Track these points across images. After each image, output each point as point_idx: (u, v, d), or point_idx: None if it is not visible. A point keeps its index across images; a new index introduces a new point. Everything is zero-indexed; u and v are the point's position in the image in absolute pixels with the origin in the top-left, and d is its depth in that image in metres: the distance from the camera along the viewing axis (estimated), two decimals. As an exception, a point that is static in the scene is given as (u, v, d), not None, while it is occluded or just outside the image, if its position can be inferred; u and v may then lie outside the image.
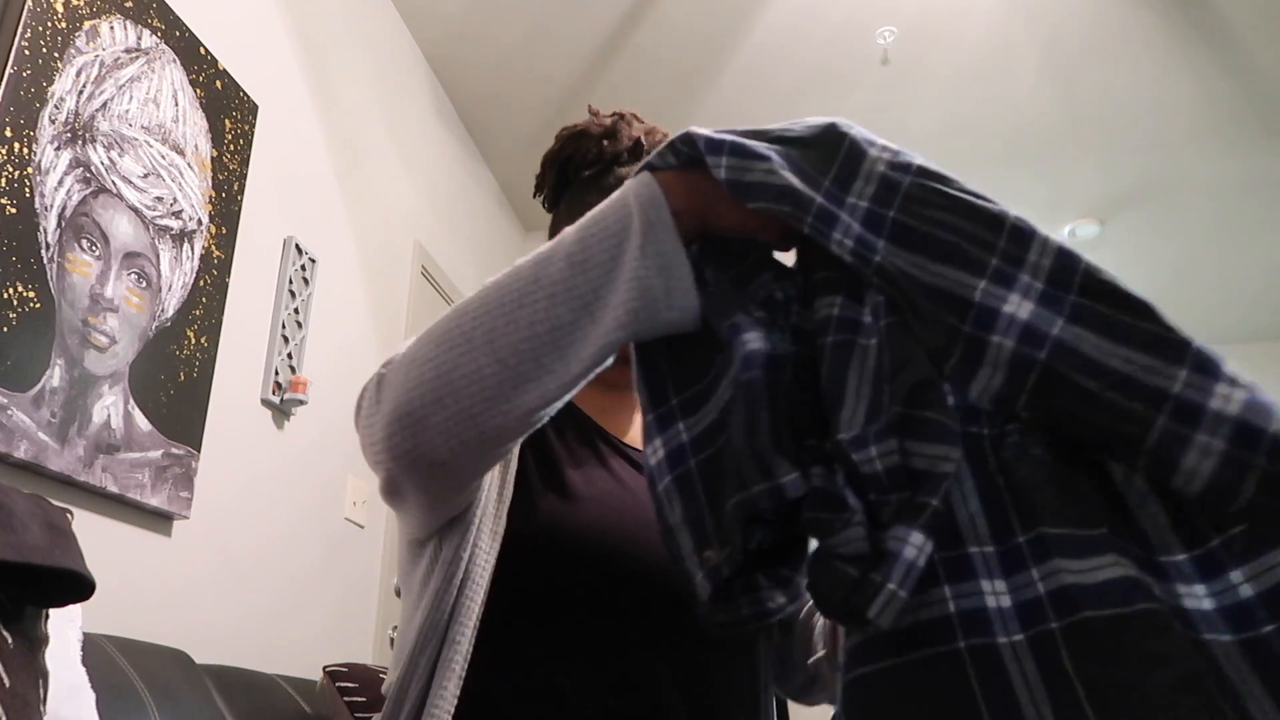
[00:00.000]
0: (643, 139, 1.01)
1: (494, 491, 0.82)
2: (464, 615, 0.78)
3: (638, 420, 1.00)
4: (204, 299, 1.88)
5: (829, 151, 0.59)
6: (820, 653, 0.86)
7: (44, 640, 1.00)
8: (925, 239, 0.55)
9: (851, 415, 0.52)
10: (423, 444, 0.65)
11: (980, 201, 0.56)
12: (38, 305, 1.45)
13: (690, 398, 0.60)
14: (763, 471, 0.52)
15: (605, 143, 1.01)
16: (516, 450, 0.87)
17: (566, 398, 0.64)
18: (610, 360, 0.63)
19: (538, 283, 0.62)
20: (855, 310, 0.56)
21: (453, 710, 0.75)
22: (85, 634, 1.24)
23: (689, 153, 0.61)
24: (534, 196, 1.08)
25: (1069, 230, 4.32)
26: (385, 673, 1.21)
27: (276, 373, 2.15)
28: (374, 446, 0.68)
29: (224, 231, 1.96)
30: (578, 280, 0.61)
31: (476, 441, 0.64)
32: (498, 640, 0.80)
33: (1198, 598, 0.48)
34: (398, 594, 0.93)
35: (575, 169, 1.01)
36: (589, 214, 0.64)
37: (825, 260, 0.58)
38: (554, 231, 1.03)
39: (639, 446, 0.95)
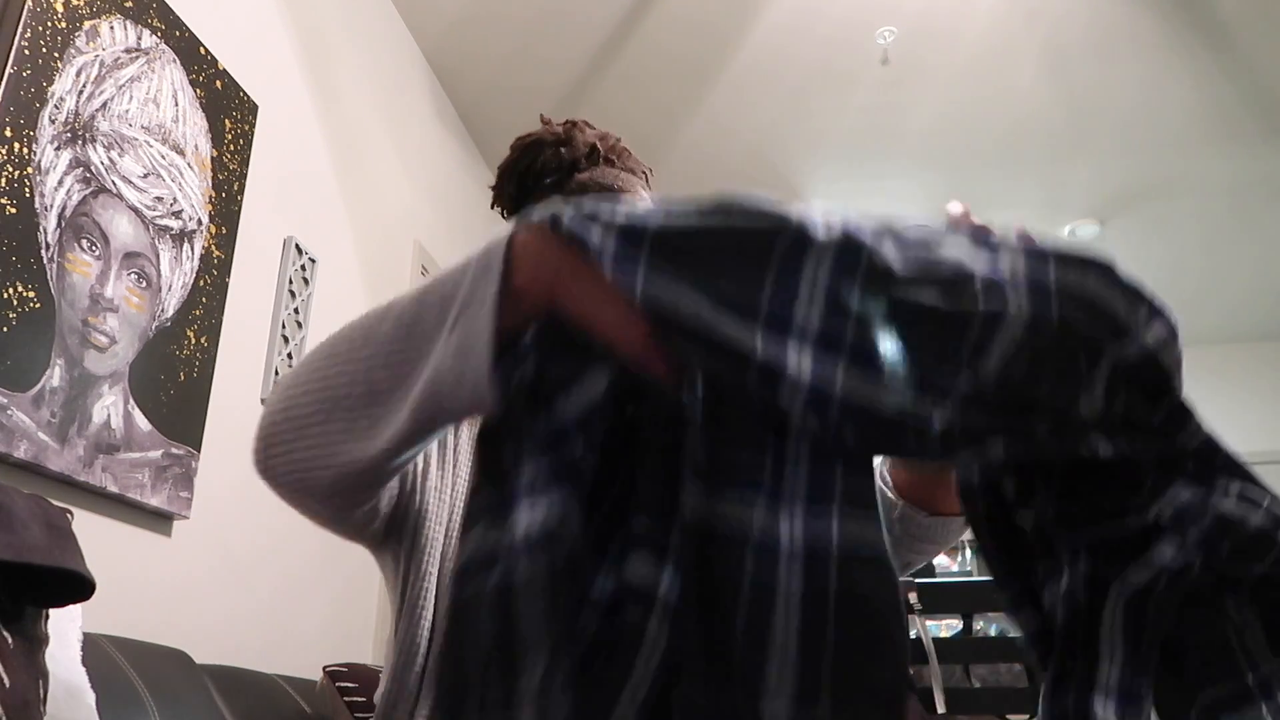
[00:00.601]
0: (598, 144, 1.04)
1: (446, 502, 0.82)
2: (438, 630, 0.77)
3: None
4: (204, 299, 1.88)
5: (763, 251, 0.53)
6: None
7: (44, 640, 1.00)
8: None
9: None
10: (270, 470, 0.64)
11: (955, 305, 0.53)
12: (38, 305, 1.45)
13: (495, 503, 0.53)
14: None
15: (562, 150, 1.03)
16: (463, 453, 0.86)
17: (389, 467, 0.60)
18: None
19: (368, 339, 0.60)
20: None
21: None
22: (85, 634, 1.24)
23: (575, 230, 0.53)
24: (491, 208, 1.08)
25: (1068, 230, 4.32)
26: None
27: (276, 373, 2.14)
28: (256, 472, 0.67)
29: (224, 231, 1.96)
30: (398, 347, 0.58)
31: (308, 485, 0.62)
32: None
33: None
34: None
35: (535, 178, 1.02)
36: (443, 268, 0.60)
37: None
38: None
39: None
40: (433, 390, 0.54)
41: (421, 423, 0.56)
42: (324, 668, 1.84)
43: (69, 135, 1.55)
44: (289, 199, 2.28)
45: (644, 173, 1.08)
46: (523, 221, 0.57)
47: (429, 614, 0.78)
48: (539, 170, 1.02)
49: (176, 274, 1.80)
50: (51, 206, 1.50)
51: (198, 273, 1.86)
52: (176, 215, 1.81)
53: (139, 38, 1.74)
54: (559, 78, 3.33)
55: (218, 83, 1.97)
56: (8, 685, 0.89)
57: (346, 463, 0.59)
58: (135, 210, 1.69)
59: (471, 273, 0.55)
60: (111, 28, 1.67)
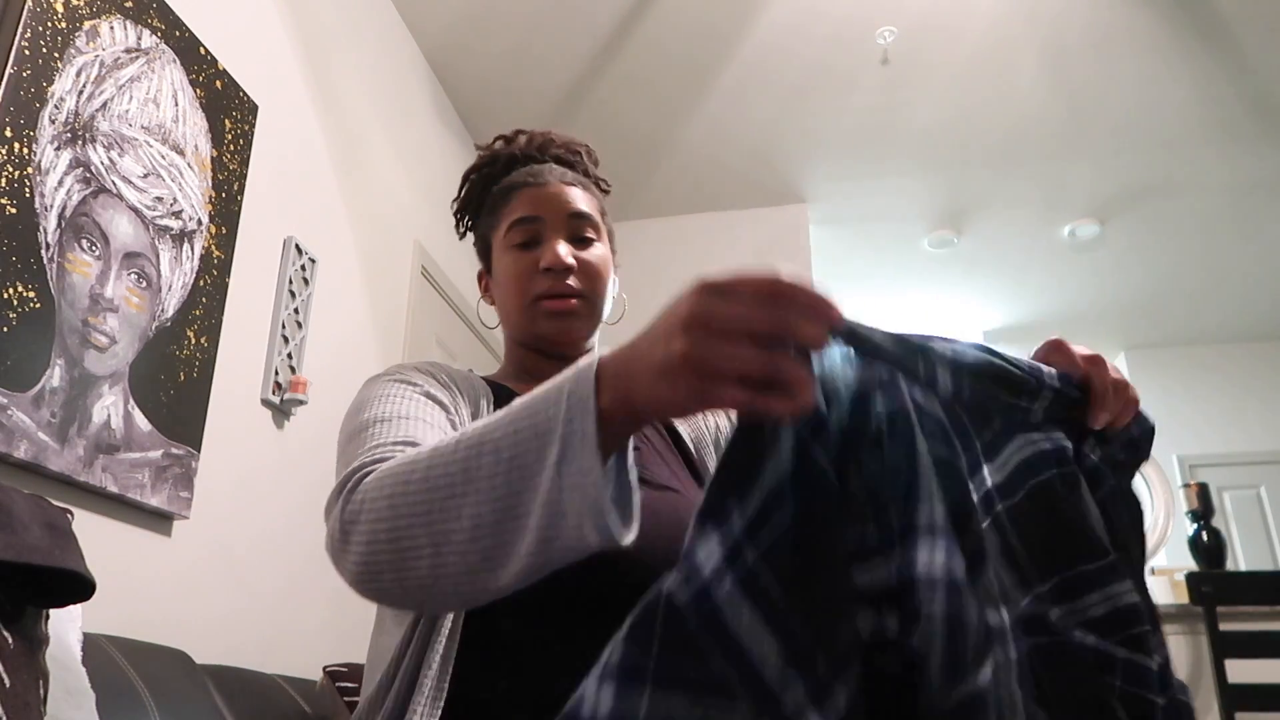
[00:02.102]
0: (518, 151, 1.07)
1: None
2: (445, 622, 0.78)
3: None
4: (204, 299, 1.88)
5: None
6: None
7: (44, 640, 1.00)
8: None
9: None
10: (384, 595, 0.67)
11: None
12: (38, 305, 1.45)
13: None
14: None
15: (499, 144, 1.08)
16: None
17: (506, 592, 0.60)
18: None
19: (468, 475, 0.59)
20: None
21: (437, 711, 0.75)
22: (85, 634, 1.24)
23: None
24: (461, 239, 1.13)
25: (1069, 230, 4.32)
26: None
27: (276, 373, 2.15)
28: (350, 585, 0.70)
29: (224, 231, 1.96)
30: (502, 481, 0.57)
31: (427, 602, 0.65)
32: (484, 645, 0.79)
33: None
34: None
35: (482, 183, 1.08)
36: (530, 395, 0.59)
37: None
38: (482, 244, 1.06)
39: None
40: (550, 531, 0.54)
41: (534, 565, 0.57)
42: (324, 668, 1.84)
43: (69, 135, 1.55)
44: (289, 199, 2.28)
45: (576, 153, 1.08)
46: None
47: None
48: (486, 171, 1.08)
49: (176, 274, 1.80)
50: (51, 206, 1.50)
51: (198, 273, 1.86)
52: (176, 215, 1.81)
53: (139, 38, 1.74)
54: (559, 78, 3.33)
55: (218, 83, 1.97)
56: (8, 685, 0.89)
57: (468, 593, 0.61)
58: (135, 210, 1.69)
59: (564, 404, 0.55)
60: (111, 28, 1.67)
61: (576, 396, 0.54)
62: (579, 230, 1.00)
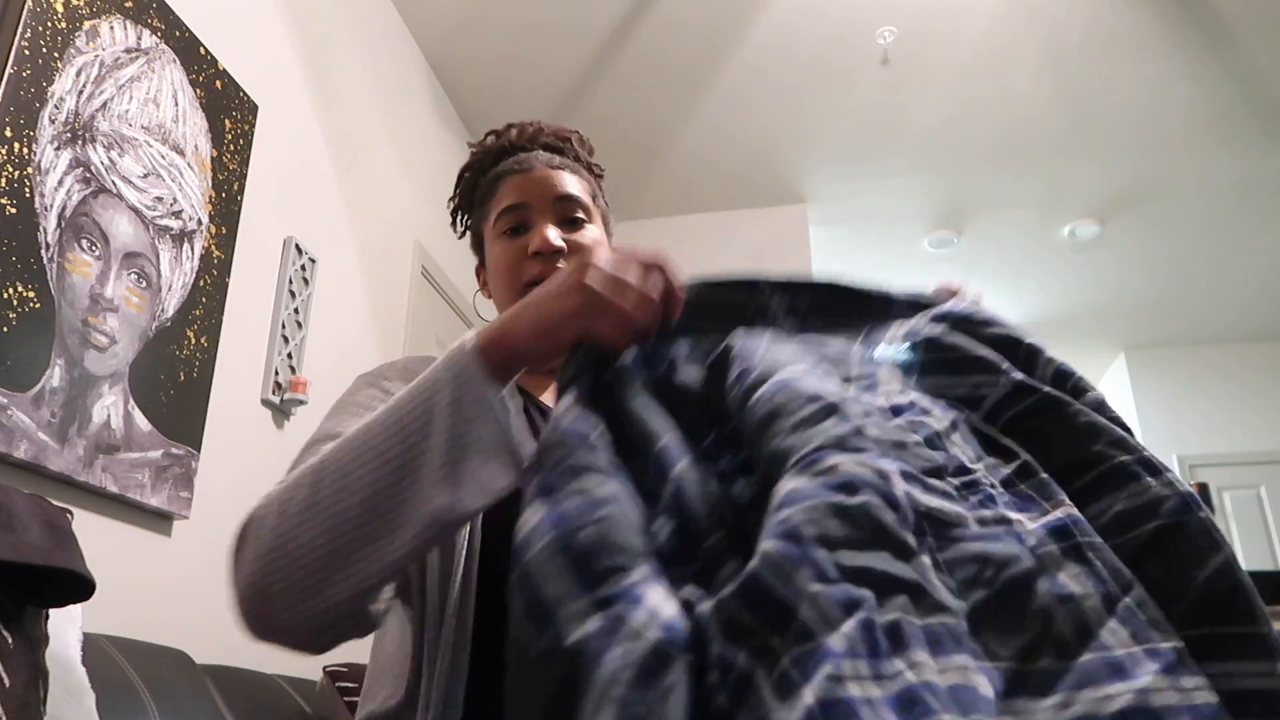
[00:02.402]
0: (542, 127, 1.06)
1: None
2: (461, 630, 0.76)
3: None
4: (204, 299, 1.88)
5: None
6: None
7: (44, 640, 1.00)
8: None
9: None
10: (267, 615, 0.62)
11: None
12: (38, 305, 1.45)
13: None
14: None
15: (490, 138, 1.07)
16: None
17: (401, 565, 0.61)
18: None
19: (360, 450, 0.61)
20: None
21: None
22: (85, 634, 1.24)
23: None
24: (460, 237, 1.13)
25: (1069, 230, 4.32)
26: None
27: (276, 373, 2.15)
28: (234, 607, 0.64)
29: (224, 231, 1.96)
30: (396, 440, 0.60)
31: (318, 613, 0.61)
32: (499, 646, 0.79)
33: None
34: None
35: (474, 178, 1.07)
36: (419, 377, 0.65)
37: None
38: (475, 238, 1.07)
39: None
40: (455, 470, 0.59)
41: (438, 510, 0.60)
42: (324, 668, 1.84)
43: (69, 135, 1.55)
44: (289, 199, 2.28)
45: (565, 139, 1.07)
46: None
47: (451, 615, 0.77)
48: (478, 166, 1.07)
49: (176, 274, 1.80)
50: (51, 206, 1.50)
51: (198, 273, 1.86)
52: (176, 215, 1.81)
53: (139, 38, 1.74)
54: (559, 78, 3.33)
55: (218, 83, 1.97)
56: (7, 685, 0.89)
57: (364, 573, 0.60)
58: (135, 210, 1.69)
59: (445, 362, 0.63)
60: (111, 28, 1.67)
61: (454, 354, 0.63)
62: (568, 213, 0.98)
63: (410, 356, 0.98)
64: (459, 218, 1.10)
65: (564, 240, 0.96)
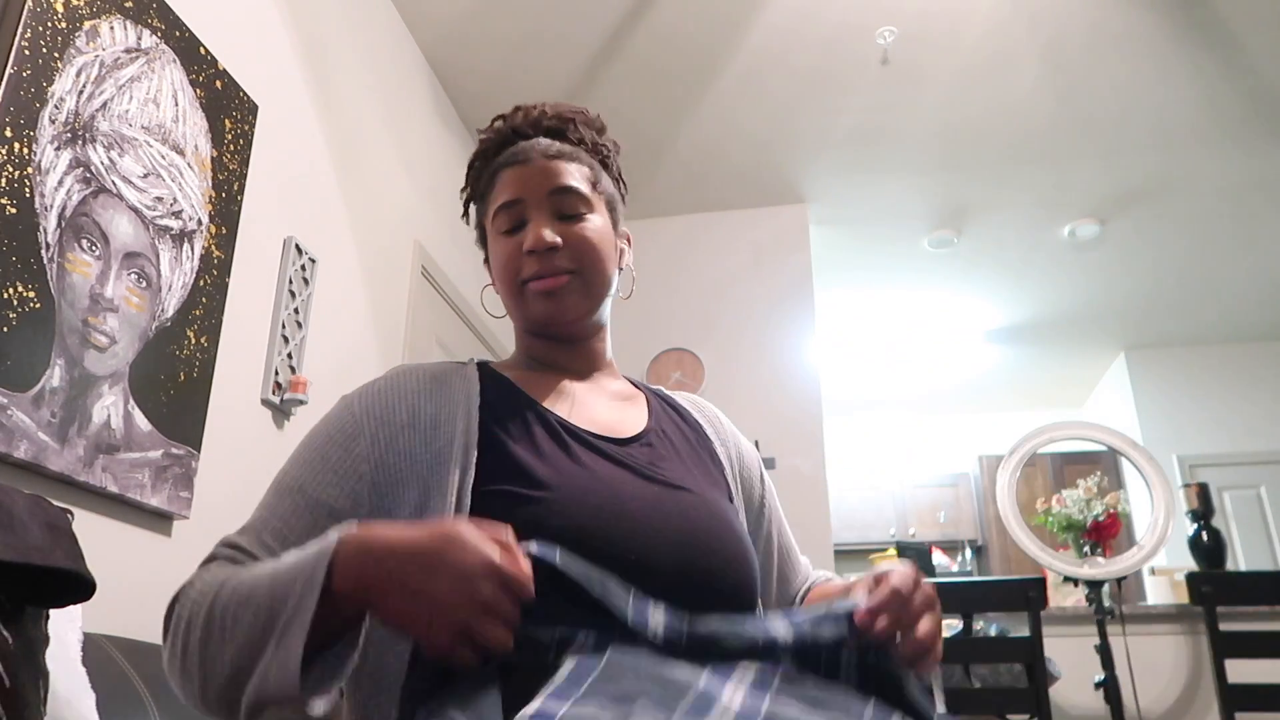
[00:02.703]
0: (546, 109, 1.03)
1: (449, 501, 0.82)
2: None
3: (585, 399, 0.98)
4: (204, 299, 1.88)
5: None
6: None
7: (44, 640, 1.00)
8: None
9: None
10: (182, 671, 0.79)
11: None
12: (38, 305, 1.45)
13: None
14: None
15: (497, 123, 1.04)
16: (474, 455, 0.85)
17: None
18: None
19: (237, 618, 0.72)
20: None
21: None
22: (85, 634, 1.24)
23: None
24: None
25: (1069, 230, 4.32)
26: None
27: (276, 373, 2.15)
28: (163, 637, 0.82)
29: (224, 231, 1.96)
30: (249, 636, 0.71)
31: (204, 686, 0.75)
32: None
33: None
34: None
35: (480, 167, 1.04)
36: (295, 560, 0.72)
37: None
38: (480, 232, 1.05)
39: (590, 428, 0.93)
40: (265, 684, 0.69)
41: (262, 697, 0.70)
42: (324, 668, 1.84)
43: (69, 135, 1.55)
44: (289, 199, 2.28)
45: (568, 120, 1.04)
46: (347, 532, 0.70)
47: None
48: (475, 177, 1.05)
49: (176, 274, 1.80)
50: (51, 206, 1.50)
51: (198, 273, 1.86)
52: (176, 215, 1.81)
53: (139, 38, 1.74)
54: (559, 78, 3.33)
55: (218, 83, 1.97)
56: (8, 685, 0.89)
57: (226, 692, 0.73)
58: (135, 210, 1.69)
59: (300, 584, 0.69)
60: (111, 28, 1.67)
61: (308, 581, 0.68)
62: (564, 207, 0.95)
63: (397, 367, 0.96)
64: (469, 207, 1.08)
65: (561, 234, 0.94)
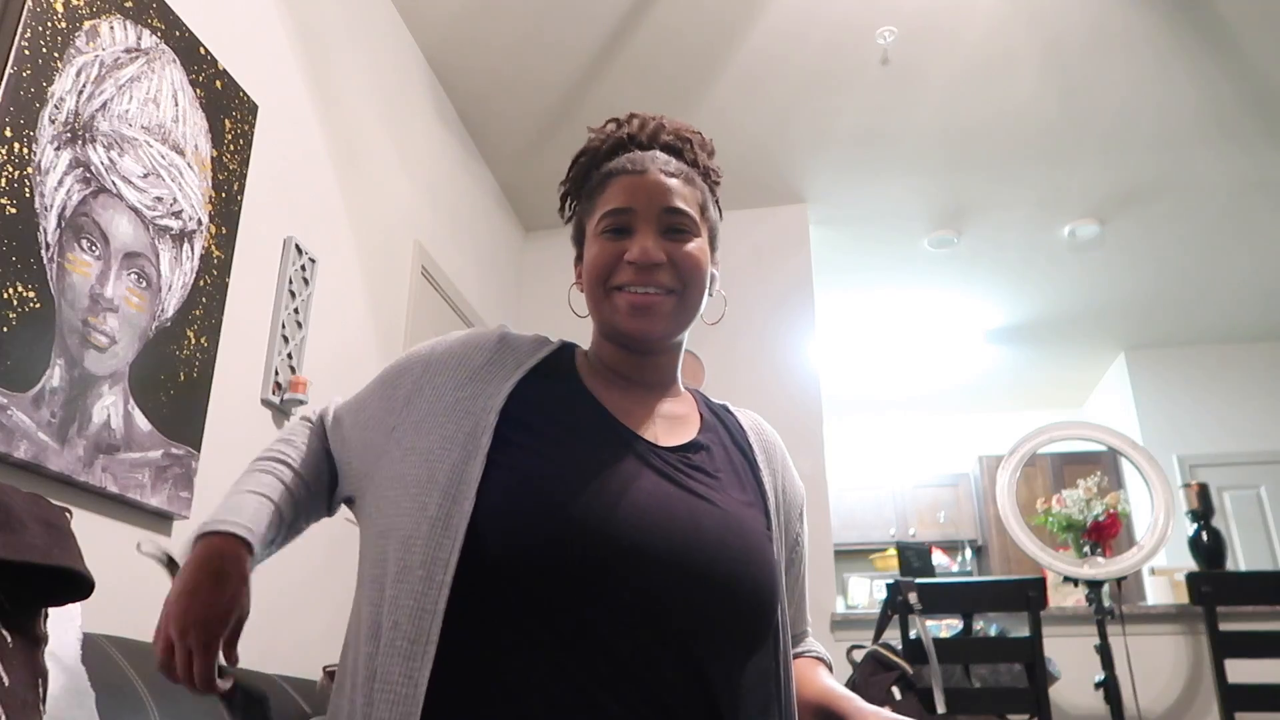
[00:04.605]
0: (664, 124, 1.03)
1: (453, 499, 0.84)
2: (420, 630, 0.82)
3: (636, 403, 0.98)
4: (204, 299, 1.88)
5: None
6: None
7: (43, 639, 1.00)
8: None
9: None
10: None
11: None
12: (38, 305, 1.45)
13: None
14: None
15: (610, 126, 1.04)
16: (494, 418, 0.88)
17: None
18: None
19: None
20: None
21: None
22: (85, 634, 1.24)
23: None
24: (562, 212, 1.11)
25: (1069, 230, 4.32)
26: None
27: (276, 373, 2.15)
28: None
29: (224, 231, 1.96)
30: None
31: None
32: (485, 640, 0.79)
33: None
34: None
35: (587, 166, 1.04)
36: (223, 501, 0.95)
37: None
38: (578, 230, 1.05)
39: (653, 440, 0.94)
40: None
41: None
42: (324, 668, 1.84)
43: (69, 135, 1.55)
44: (289, 199, 2.28)
45: (686, 140, 1.04)
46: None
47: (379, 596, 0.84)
48: (580, 175, 1.05)
49: (176, 274, 1.80)
50: (51, 206, 1.50)
51: (198, 273, 1.86)
52: (176, 215, 1.81)
53: (139, 38, 1.74)
54: (558, 78, 3.33)
55: (218, 83, 1.97)
56: (7, 684, 0.89)
57: None
58: (135, 210, 1.69)
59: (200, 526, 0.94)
60: (111, 28, 1.67)
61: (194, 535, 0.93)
62: (674, 224, 0.95)
63: (476, 337, 1.02)
64: (568, 203, 1.06)
65: (666, 251, 0.94)
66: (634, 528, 0.82)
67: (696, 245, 0.96)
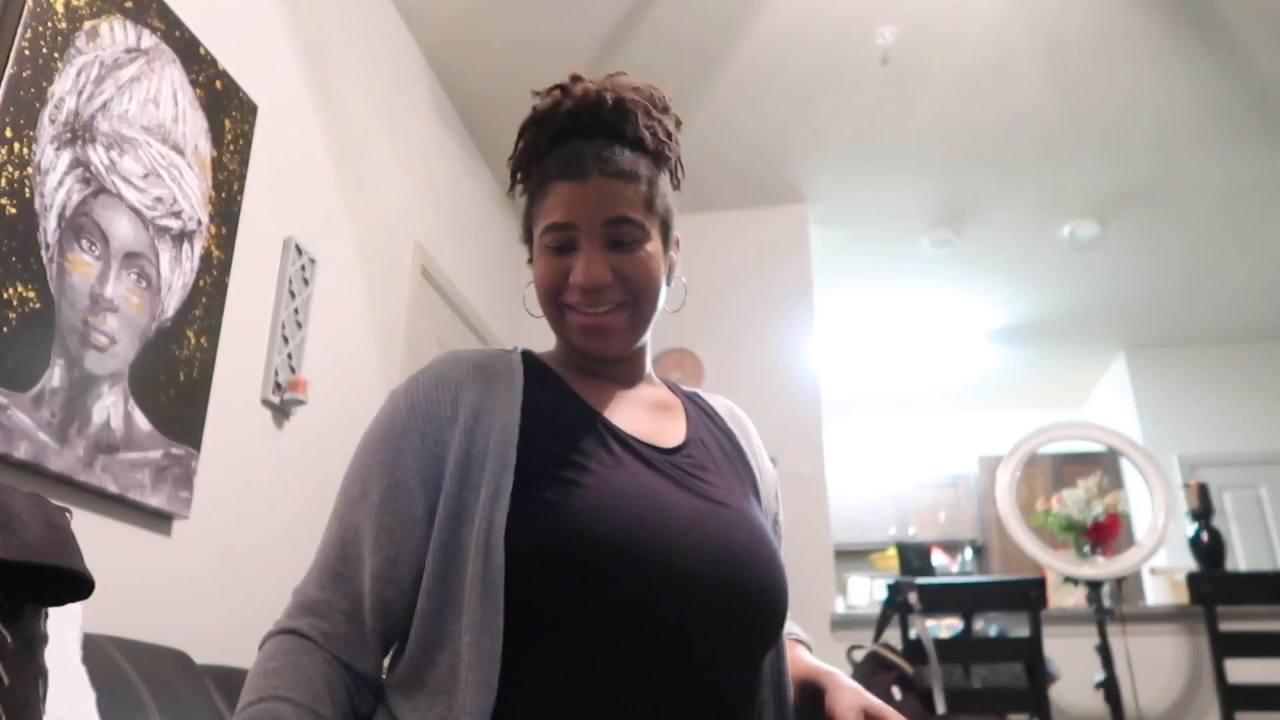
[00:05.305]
0: (605, 93, 0.95)
1: (483, 508, 0.82)
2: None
3: (628, 405, 0.97)
4: (204, 299, 1.88)
5: None
6: None
7: (43, 639, 1.00)
8: None
9: None
10: None
11: None
12: (38, 305, 1.45)
13: None
14: None
15: (555, 93, 0.97)
16: (512, 454, 0.84)
17: None
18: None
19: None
20: None
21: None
22: (85, 634, 1.24)
23: None
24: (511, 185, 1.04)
25: (1069, 230, 4.32)
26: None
27: (276, 373, 2.15)
28: None
29: (224, 231, 1.96)
30: None
31: None
32: (521, 654, 0.78)
33: None
34: None
35: (533, 143, 0.97)
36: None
37: None
38: (526, 230, 1.01)
39: (641, 436, 0.92)
40: None
41: None
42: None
43: (69, 135, 1.55)
44: (289, 199, 2.28)
45: (628, 112, 0.95)
46: None
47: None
48: (526, 152, 0.98)
49: (176, 274, 1.80)
50: (51, 206, 1.50)
51: (198, 273, 1.86)
52: (176, 215, 1.81)
53: (139, 38, 1.74)
54: (559, 78, 3.32)
55: (218, 83, 1.97)
56: (7, 684, 0.89)
57: None
58: (135, 210, 1.69)
59: None
60: (111, 28, 1.67)
61: None
62: (619, 236, 0.90)
63: (443, 354, 0.94)
64: (516, 178, 1.00)
65: (613, 266, 0.90)
66: (679, 556, 0.81)
67: (646, 251, 0.91)
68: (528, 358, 0.97)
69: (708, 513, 0.86)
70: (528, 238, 1.00)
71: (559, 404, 0.92)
